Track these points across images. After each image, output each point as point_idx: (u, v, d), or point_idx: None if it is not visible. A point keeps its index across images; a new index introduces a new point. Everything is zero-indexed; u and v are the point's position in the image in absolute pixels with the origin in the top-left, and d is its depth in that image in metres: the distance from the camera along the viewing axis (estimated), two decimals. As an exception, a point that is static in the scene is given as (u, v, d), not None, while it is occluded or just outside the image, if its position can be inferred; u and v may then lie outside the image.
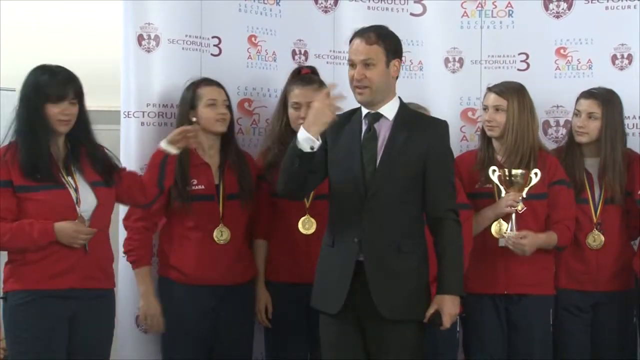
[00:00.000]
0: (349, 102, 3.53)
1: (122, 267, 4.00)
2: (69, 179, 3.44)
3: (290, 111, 3.90)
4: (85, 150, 3.50)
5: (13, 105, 3.46)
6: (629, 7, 4.34)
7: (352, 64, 3.35)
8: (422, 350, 3.38)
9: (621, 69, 4.35)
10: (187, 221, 3.78)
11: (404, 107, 3.42)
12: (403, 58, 3.43)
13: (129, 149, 4.00)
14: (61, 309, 3.40)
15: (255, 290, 3.91)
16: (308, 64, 4.30)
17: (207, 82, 3.87)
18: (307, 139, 3.21)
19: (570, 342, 4.00)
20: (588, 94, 4.00)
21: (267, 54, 4.32)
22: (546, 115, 4.37)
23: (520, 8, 4.45)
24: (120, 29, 4.03)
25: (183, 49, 4.08)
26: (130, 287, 4.01)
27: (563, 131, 4.33)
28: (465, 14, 4.49)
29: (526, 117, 3.88)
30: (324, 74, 4.10)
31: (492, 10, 4.48)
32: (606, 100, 3.97)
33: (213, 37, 4.17)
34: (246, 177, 3.87)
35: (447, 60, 4.49)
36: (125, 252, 3.85)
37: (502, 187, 3.83)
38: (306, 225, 3.86)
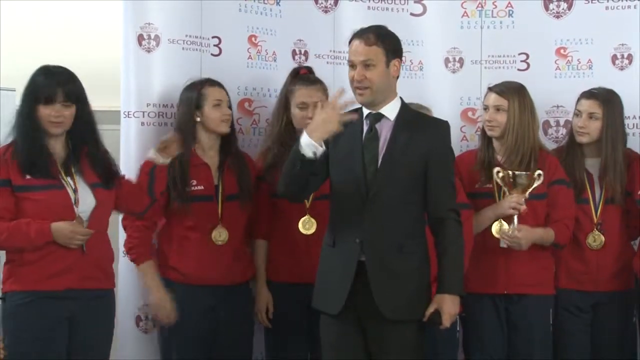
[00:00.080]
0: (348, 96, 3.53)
1: (122, 267, 4.01)
2: (68, 179, 3.44)
3: (295, 111, 3.90)
4: (87, 151, 3.49)
5: (13, 105, 3.47)
6: (629, 7, 4.34)
7: (352, 65, 3.35)
8: (422, 350, 3.38)
9: (621, 69, 4.35)
10: (186, 222, 3.78)
11: (405, 107, 3.42)
12: (403, 58, 3.42)
13: (129, 149, 4.00)
14: (60, 310, 3.40)
15: (254, 290, 3.91)
16: (308, 64, 4.30)
17: (211, 82, 3.87)
18: (310, 145, 3.21)
19: (570, 342, 4.00)
20: (589, 94, 4.00)
21: (267, 54, 4.32)
22: (546, 115, 4.37)
23: (521, 8, 4.45)
24: (120, 29, 4.03)
25: (183, 49, 4.08)
26: (130, 287, 4.02)
27: (563, 131, 4.33)
28: (465, 14, 4.49)
29: (527, 117, 3.88)
30: (324, 74, 4.10)
31: (492, 10, 4.48)
32: (607, 101, 3.97)
33: (213, 37, 4.17)
34: (245, 178, 3.86)
35: (447, 60, 4.49)
36: (126, 252, 3.85)
37: (505, 189, 3.83)
38: (306, 226, 3.86)
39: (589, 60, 4.39)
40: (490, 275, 3.88)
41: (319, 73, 4.05)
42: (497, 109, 3.88)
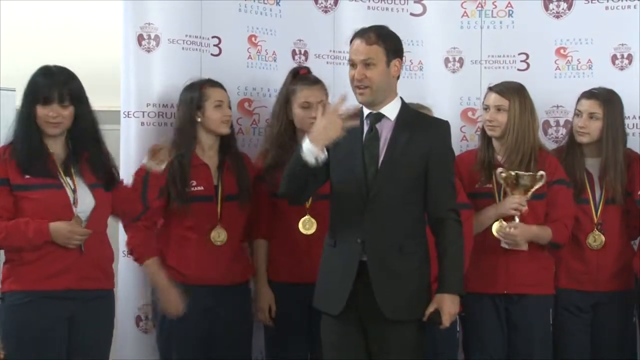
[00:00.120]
0: (350, 103, 3.53)
1: (122, 268, 4.01)
2: (68, 179, 3.44)
3: (298, 111, 3.90)
4: (89, 152, 3.49)
5: (13, 105, 3.47)
6: (629, 7, 4.34)
7: (352, 64, 3.35)
8: (423, 350, 3.38)
9: (621, 69, 4.35)
10: (185, 222, 3.78)
11: (405, 107, 3.42)
12: (403, 58, 3.42)
13: (129, 149, 4.00)
14: (59, 310, 3.40)
15: (252, 290, 3.91)
16: (308, 64, 4.31)
17: (211, 83, 3.87)
18: (312, 152, 3.22)
19: (570, 342, 4.00)
20: (589, 94, 4.00)
21: (267, 54, 4.32)
22: (546, 115, 4.37)
23: (520, 8, 4.45)
24: (120, 29, 4.03)
25: (183, 49, 4.08)
26: (130, 287, 4.02)
27: (563, 131, 4.33)
28: (465, 14, 4.49)
29: (527, 117, 3.88)
30: (324, 74, 4.10)
31: (492, 10, 4.48)
32: (607, 101, 3.97)
33: (213, 37, 4.17)
34: (244, 178, 3.87)
35: (447, 60, 4.49)
36: (128, 252, 3.84)
37: (507, 189, 3.82)
38: (307, 226, 3.86)
39: (589, 60, 4.39)
40: (490, 275, 3.88)
41: (319, 73, 4.04)
42: (498, 109, 3.88)
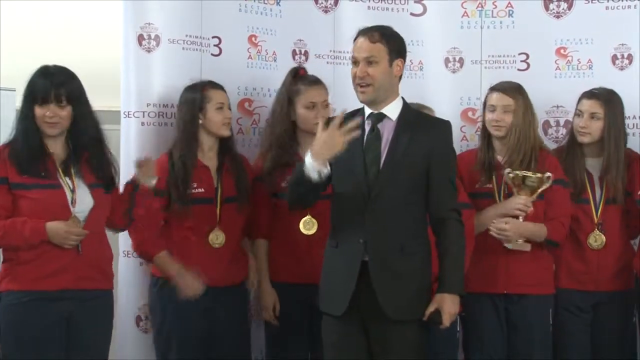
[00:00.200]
0: (350, 103, 3.53)
1: (122, 267, 4.01)
2: (67, 179, 3.44)
3: (302, 111, 3.89)
4: (88, 152, 3.49)
5: (13, 105, 3.47)
6: (629, 7, 4.34)
7: (355, 62, 3.35)
8: (424, 350, 3.38)
9: (621, 69, 4.35)
10: (185, 223, 3.77)
11: (407, 108, 3.42)
12: (406, 59, 3.42)
13: (129, 149, 4.00)
14: (57, 310, 3.40)
15: (253, 290, 3.91)
16: (308, 64, 4.31)
17: (213, 85, 3.86)
18: (314, 167, 3.22)
19: (570, 342, 4.00)
20: (590, 94, 4.00)
21: (267, 54, 4.32)
22: (546, 115, 4.38)
23: (521, 8, 4.45)
24: (120, 29, 4.03)
25: (183, 49, 4.08)
26: (130, 287, 4.02)
27: (563, 131, 4.33)
28: (465, 14, 4.49)
29: (529, 116, 3.89)
30: (324, 74, 4.10)
31: (492, 10, 4.48)
32: (608, 101, 3.97)
33: (213, 37, 4.17)
34: (243, 180, 3.87)
35: (447, 60, 4.49)
36: (138, 255, 3.83)
37: (514, 190, 3.82)
38: (307, 226, 3.86)
39: (589, 60, 4.39)
40: (490, 275, 3.88)
41: (319, 73, 4.05)
42: (505, 109, 3.87)
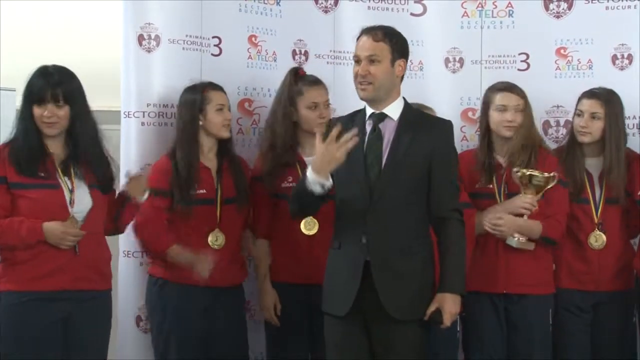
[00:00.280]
0: (350, 103, 3.53)
1: (122, 268, 4.01)
2: (66, 179, 3.44)
3: (305, 112, 3.89)
4: (88, 153, 3.49)
5: (13, 105, 3.47)
6: (629, 7, 4.33)
7: (357, 60, 3.35)
8: (424, 349, 3.38)
9: (621, 69, 4.35)
10: (185, 224, 3.77)
11: (408, 108, 3.42)
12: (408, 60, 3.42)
13: (129, 149, 4.00)
14: (54, 310, 3.39)
15: (250, 290, 3.92)
16: (308, 64, 4.31)
17: (213, 86, 3.86)
18: (317, 181, 3.22)
19: (570, 342, 4.00)
20: (590, 94, 4.00)
21: (267, 54, 4.32)
22: (546, 115, 4.38)
23: (521, 8, 4.45)
24: (120, 29, 4.03)
25: (183, 49, 4.08)
26: (130, 287, 4.03)
27: (563, 131, 4.33)
28: (465, 14, 4.49)
29: (531, 116, 3.90)
30: (324, 74, 4.10)
31: (493, 10, 4.48)
32: (608, 101, 3.97)
33: (213, 37, 4.17)
34: (242, 181, 3.87)
35: (447, 60, 4.49)
36: (144, 248, 3.82)
37: (521, 188, 3.82)
38: (308, 226, 3.85)
39: (589, 60, 4.39)
40: (490, 274, 3.88)
41: (319, 73, 4.04)
42: (517, 109, 3.86)
